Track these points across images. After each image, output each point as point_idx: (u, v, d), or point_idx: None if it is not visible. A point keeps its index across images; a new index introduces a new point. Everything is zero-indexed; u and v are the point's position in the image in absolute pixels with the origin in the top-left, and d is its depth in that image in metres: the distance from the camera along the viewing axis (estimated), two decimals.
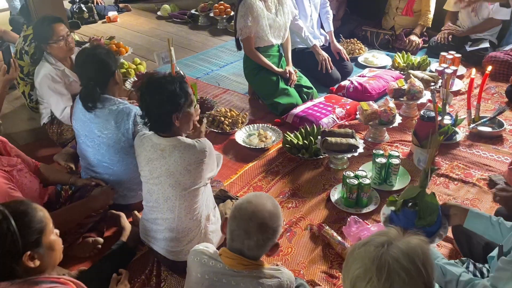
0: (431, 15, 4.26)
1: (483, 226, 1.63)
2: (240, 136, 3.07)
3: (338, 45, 3.90)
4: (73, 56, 2.96)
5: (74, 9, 5.45)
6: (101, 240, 2.18)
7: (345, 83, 3.57)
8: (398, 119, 2.91)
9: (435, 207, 1.69)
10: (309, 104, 3.29)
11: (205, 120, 2.35)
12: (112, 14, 5.67)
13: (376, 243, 1.06)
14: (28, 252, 1.29)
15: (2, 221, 1.24)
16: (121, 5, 6.11)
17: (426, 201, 1.69)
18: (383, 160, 2.49)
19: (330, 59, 3.69)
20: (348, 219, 2.22)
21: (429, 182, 1.75)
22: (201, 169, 1.87)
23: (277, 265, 1.93)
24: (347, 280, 1.09)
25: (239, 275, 1.42)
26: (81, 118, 2.28)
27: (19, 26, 3.31)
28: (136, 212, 2.32)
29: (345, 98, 3.39)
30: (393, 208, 1.73)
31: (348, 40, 4.38)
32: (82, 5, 5.54)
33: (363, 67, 4.01)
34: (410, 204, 1.71)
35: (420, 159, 2.49)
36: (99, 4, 5.76)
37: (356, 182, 2.32)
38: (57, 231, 1.44)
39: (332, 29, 3.91)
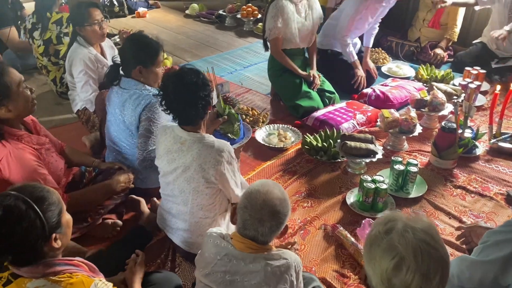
0: (457, 30, 4.26)
1: None
2: (260, 134, 3.11)
3: (371, 63, 3.90)
4: (104, 45, 3.06)
5: (106, 2, 5.59)
6: (120, 222, 2.24)
7: (368, 90, 3.59)
8: (418, 129, 2.93)
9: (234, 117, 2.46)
10: (330, 108, 3.32)
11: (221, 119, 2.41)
12: (141, 9, 5.80)
13: (399, 231, 1.12)
14: (54, 234, 1.32)
15: (28, 209, 1.26)
16: (151, 1, 6.23)
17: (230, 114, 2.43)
18: (401, 167, 2.51)
19: (364, 76, 3.71)
20: (363, 221, 2.24)
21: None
22: (217, 170, 1.86)
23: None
24: (377, 273, 1.13)
25: (248, 257, 1.47)
26: (112, 97, 2.37)
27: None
28: (155, 199, 2.37)
29: (366, 105, 3.42)
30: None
31: (373, 49, 4.39)
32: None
33: (386, 76, 4.03)
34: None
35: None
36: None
37: (373, 186, 2.34)
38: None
39: (370, 45, 3.90)
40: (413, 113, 2.94)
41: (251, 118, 3.21)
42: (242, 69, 4.39)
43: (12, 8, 3.99)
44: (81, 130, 3.12)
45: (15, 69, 3.62)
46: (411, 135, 2.90)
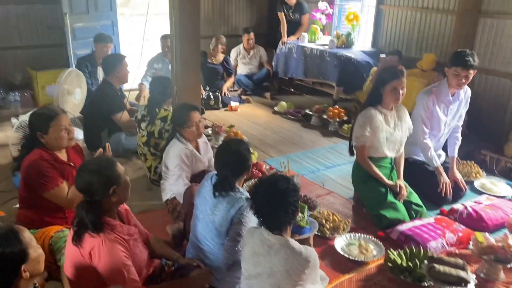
0: None
1: None
2: (340, 243, 3.01)
3: (458, 174, 3.74)
4: (199, 140, 3.29)
5: (203, 96, 6.08)
6: None
7: (458, 207, 3.39)
8: None
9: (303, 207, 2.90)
10: (417, 222, 3.15)
11: None
12: (234, 104, 6.20)
13: None
14: None
15: None
16: (243, 97, 6.67)
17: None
18: None
19: (450, 184, 3.56)
20: None
21: None
22: (302, 276, 1.87)
23: None
24: None
25: None
26: (203, 194, 2.47)
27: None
28: None
29: (457, 223, 3.20)
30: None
31: (464, 161, 4.21)
32: (211, 94, 6.17)
33: (479, 193, 3.79)
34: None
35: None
36: (226, 95, 6.37)
37: None
38: None
39: (455, 155, 3.79)
40: (511, 240, 2.69)
41: (331, 225, 3.15)
42: (324, 169, 4.40)
43: (120, 95, 4.53)
44: (167, 218, 3.25)
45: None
46: (509, 266, 2.63)
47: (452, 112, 3.69)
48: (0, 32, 6.08)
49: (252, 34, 6.88)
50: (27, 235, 1.75)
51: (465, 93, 3.71)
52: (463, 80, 3.46)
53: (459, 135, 3.82)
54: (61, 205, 2.66)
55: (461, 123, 3.84)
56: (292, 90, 7.29)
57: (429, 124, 3.62)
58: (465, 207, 3.34)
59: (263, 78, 6.95)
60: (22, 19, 6.16)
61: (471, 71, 3.43)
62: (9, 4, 6.02)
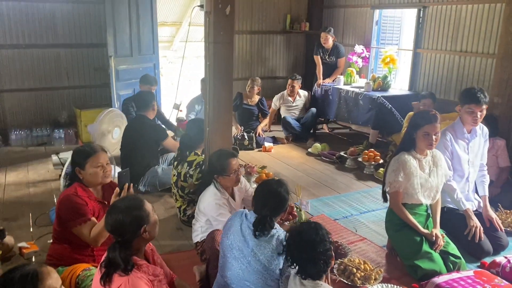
0: None
1: None
2: None
3: (492, 213, 3.58)
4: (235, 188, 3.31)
5: (238, 136, 6.15)
6: None
7: (501, 260, 3.17)
8: None
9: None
10: (454, 275, 2.97)
11: None
12: (268, 144, 6.22)
13: None
14: None
15: None
16: (278, 138, 6.69)
17: None
18: None
19: (482, 229, 3.38)
20: None
21: None
22: None
23: None
24: None
25: None
26: (239, 233, 2.45)
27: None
28: None
29: (499, 278, 2.99)
30: None
31: (508, 211, 3.98)
32: (245, 134, 6.24)
33: None
34: None
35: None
36: (260, 136, 6.42)
37: None
38: None
39: (486, 194, 3.67)
40: None
41: (362, 274, 3.02)
42: (358, 214, 4.28)
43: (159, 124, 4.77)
44: (195, 259, 3.22)
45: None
46: None
47: (473, 150, 3.64)
48: (51, 74, 6.49)
49: (295, 81, 6.70)
50: (48, 283, 1.76)
51: (482, 129, 3.70)
52: (478, 116, 3.49)
53: (485, 173, 3.76)
54: (86, 242, 2.71)
55: (485, 161, 3.77)
56: (327, 131, 7.26)
57: (452, 165, 3.56)
58: (508, 261, 3.13)
59: (310, 121, 6.72)
60: (71, 61, 6.58)
61: (484, 107, 3.48)
62: (60, 48, 6.45)
